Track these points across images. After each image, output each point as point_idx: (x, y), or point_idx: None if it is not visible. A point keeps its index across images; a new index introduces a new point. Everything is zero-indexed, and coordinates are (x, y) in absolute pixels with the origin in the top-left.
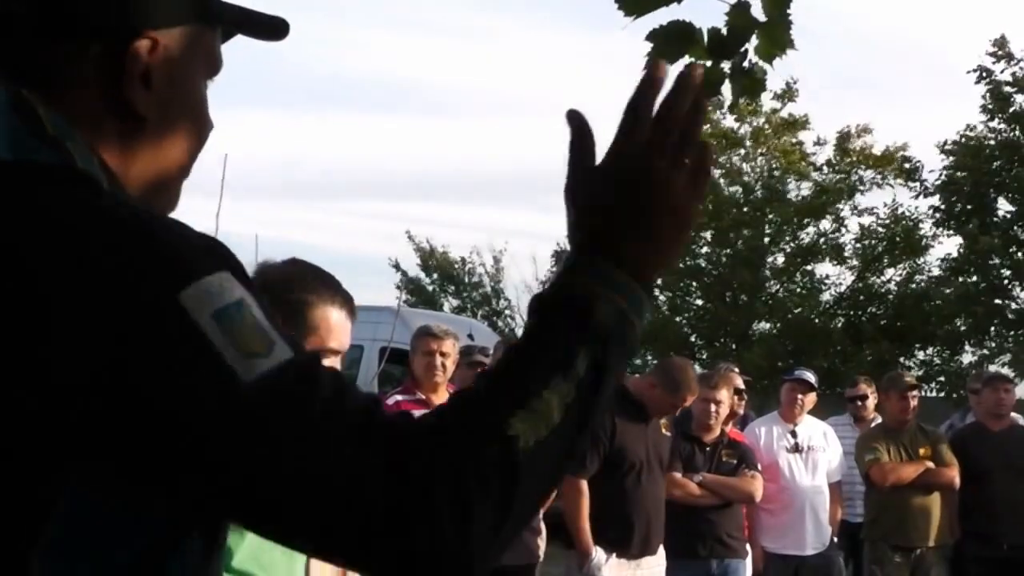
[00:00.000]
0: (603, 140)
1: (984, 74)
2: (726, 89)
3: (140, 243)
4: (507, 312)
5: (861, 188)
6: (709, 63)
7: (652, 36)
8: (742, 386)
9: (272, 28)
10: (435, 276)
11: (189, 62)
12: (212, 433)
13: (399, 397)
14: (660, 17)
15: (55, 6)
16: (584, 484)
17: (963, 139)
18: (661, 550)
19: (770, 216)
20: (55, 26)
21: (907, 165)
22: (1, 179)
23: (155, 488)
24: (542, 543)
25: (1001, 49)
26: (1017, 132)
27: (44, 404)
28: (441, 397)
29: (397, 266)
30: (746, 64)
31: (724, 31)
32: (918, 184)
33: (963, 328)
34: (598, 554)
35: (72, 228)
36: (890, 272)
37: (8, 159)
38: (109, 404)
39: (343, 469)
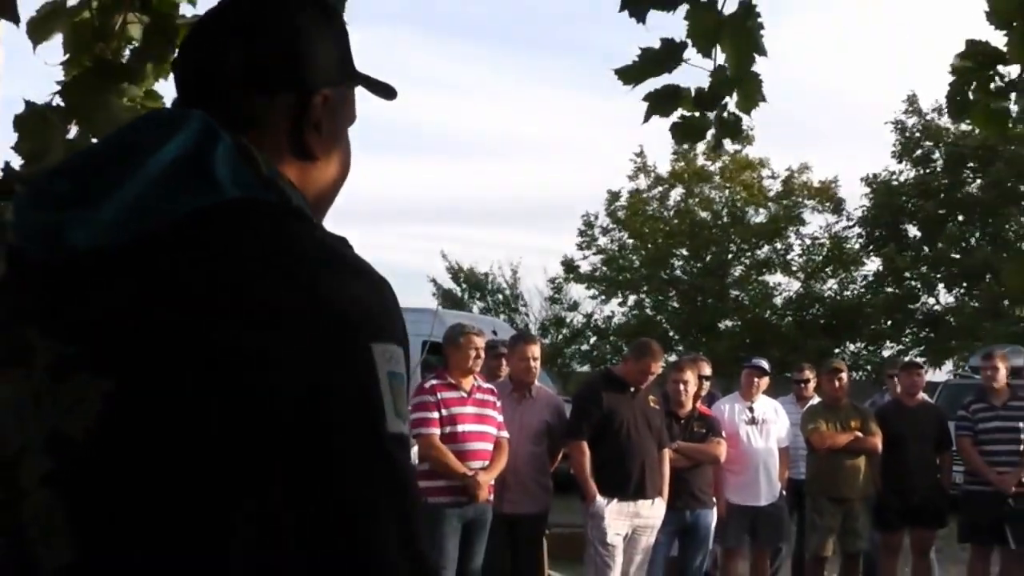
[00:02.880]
0: (600, 176)
1: (898, 125)
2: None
3: (356, 287)
4: (523, 311)
5: (804, 216)
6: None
7: (648, 97)
8: (708, 373)
9: (386, 90)
10: (464, 285)
11: (344, 112)
12: (350, 448)
13: (434, 381)
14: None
15: (259, 67)
16: (585, 445)
17: (880, 180)
18: (660, 503)
19: (733, 237)
20: (258, 82)
21: (835, 197)
22: (234, 213)
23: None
24: (550, 496)
25: (912, 105)
26: (924, 172)
27: (254, 408)
28: (468, 381)
29: (434, 281)
30: (726, 113)
31: (707, 89)
32: (844, 216)
33: (885, 328)
34: (601, 500)
35: (303, 260)
36: (831, 282)
37: (237, 196)
38: (296, 400)
39: (389, 537)
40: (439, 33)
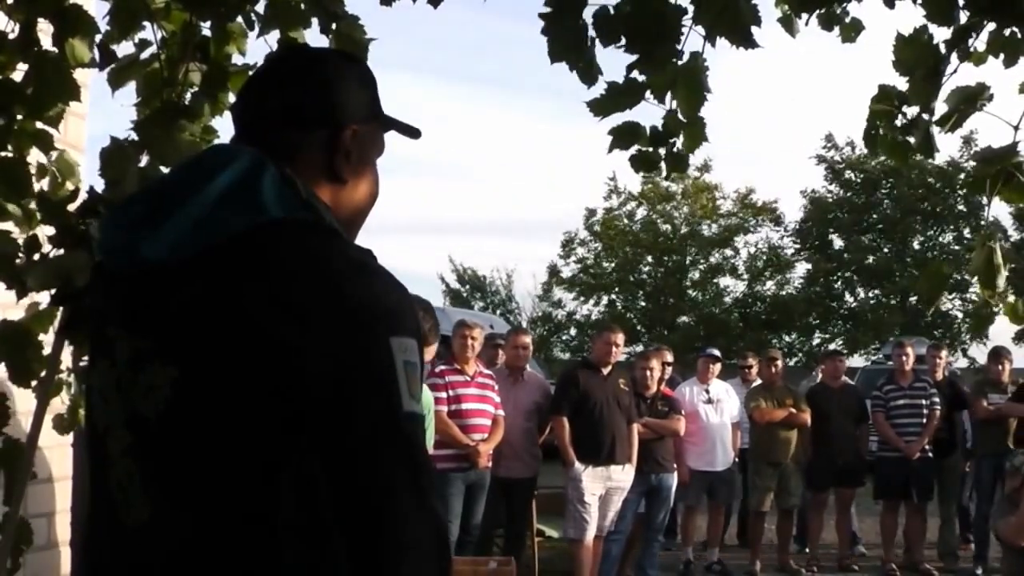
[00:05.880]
0: (580, 197)
1: (820, 159)
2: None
3: (376, 290)
4: (516, 310)
5: (749, 229)
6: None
7: (613, 131)
8: (670, 360)
9: (411, 131)
10: (467, 287)
11: (371, 145)
12: (371, 422)
13: (443, 366)
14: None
15: (295, 109)
16: (565, 420)
17: (812, 198)
18: (629, 468)
19: (690, 247)
20: (295, 122)
21: (776, 213)
22: (277, 231)
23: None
24: (539, 463)
25: (829, 142)
26: (845, 194)
27: (292, 390)
28: (471, 367)
29: (442, 279)
30: (675, 150)
31: (660, 128)
32: (782, 228)
33: (814, 322)
34: (579, 466)
35: (331, 268)
36: (769, 283)
37: (280, 216)
38: (327, 383)
39: (404, 502)
40: (453, 80)
